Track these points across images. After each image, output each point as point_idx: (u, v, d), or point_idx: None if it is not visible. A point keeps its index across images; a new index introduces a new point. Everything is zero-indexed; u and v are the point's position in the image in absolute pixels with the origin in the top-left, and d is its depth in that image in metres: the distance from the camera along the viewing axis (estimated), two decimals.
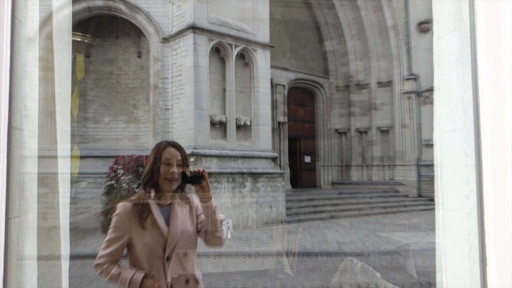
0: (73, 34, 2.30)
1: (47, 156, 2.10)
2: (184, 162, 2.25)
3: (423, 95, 19.73)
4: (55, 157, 2.06)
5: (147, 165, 2.28)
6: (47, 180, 2.09)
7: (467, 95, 1.46)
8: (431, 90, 18.53)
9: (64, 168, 2.09)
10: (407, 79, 20.19)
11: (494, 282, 1.34)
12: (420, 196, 19.44)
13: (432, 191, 17.99)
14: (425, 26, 19.48)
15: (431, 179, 18.09)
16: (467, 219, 1.46)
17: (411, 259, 8.32)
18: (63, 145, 2.12)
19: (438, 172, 1.68)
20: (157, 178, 2.21)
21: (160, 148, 2.26)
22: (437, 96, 1.68)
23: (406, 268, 7.82)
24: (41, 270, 1.87)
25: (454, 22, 1.54)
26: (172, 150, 2.25)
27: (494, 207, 1.35)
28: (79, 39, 14.27)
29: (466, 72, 1.46)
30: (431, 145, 18.71)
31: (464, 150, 1.50)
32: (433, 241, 1.71)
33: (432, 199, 18.13)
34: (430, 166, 18.35)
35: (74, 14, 12.74)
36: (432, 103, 18.83)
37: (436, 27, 1.68)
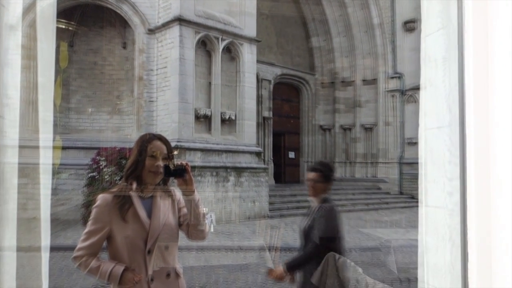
0: (57, 21, 2.25)
1: (28, 146, 2.06)
2: (169, 156, 2.23)
3: (407, 94, 19.92)
4: (36, 147, 2.01)
5: (131, 157, 2.23)
6: (27, 171, 2.05)
7: (453, 93, 1.47)
8: (415, 88, 18.74)
9: (46, 158, 2.05)
10: (392, 78, 20.37)
11: (475, 278, 1.36)
12: (401, 193, 19.68)
13: (413, 188, 18.25)
14: (410, 25, 19.65)
15: (412, 177, 18.32)
16: (450, 216, 1.47)
17: (392, 255, 8.42)
18: (45, 135, 2.07)
19: (422, 168, 1.69)
20: (141, 170, 2.18)
21: (145, 140, 2.21)
22: (423, 93, 1.69)
23: (386, 264, 7.91)
24: (20, 261, 1.83)
25: (442, 20, 1.55)
26: (158, 143, 2.22)
27: (476, 204, 1.36)
28: (63, 27, 14.02)
29: (453, 70, 1.47)
30: (414, 143, 18.95)
31: (448, 147, 1.51)
32: (414, 238, 1.72)
33: (413, 197, 18.37)
34: (412, 164, 18.58)
35: (58, 2, 12.49)
36: (415, 101, 19.13)
37: (424, 25, 1.68)
